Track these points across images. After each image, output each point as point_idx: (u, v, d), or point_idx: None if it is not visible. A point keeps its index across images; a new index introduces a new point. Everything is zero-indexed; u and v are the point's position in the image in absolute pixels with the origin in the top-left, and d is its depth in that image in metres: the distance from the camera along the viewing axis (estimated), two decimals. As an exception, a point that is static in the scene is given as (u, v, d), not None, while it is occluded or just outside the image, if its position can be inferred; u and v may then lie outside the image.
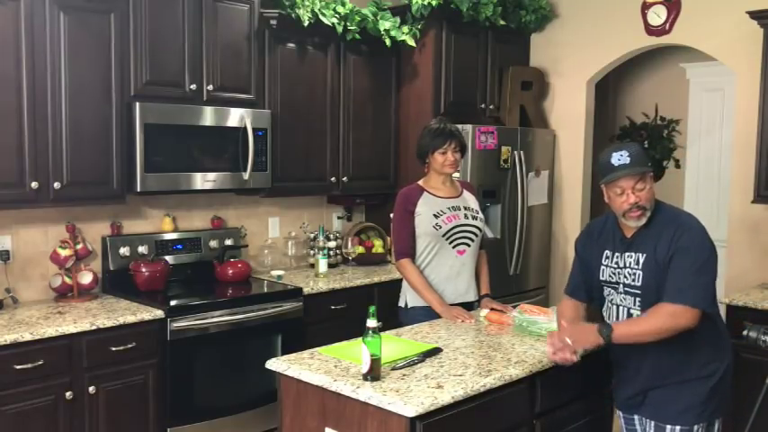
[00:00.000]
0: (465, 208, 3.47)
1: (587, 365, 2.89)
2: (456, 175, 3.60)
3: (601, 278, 2.74)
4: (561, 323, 2.80)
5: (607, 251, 2.71)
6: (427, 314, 3.35)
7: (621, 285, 2.67)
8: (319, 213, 4.96)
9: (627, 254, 2.64)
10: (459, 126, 3.67)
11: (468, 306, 3.44)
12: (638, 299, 2.62)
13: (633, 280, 2.62)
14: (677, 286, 2.48)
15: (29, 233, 3.68)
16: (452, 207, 3.44)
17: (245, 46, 4.09)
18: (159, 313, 3.50)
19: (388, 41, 4.61)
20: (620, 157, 2.54)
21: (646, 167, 2.57)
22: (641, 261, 2.59)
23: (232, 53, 4.03)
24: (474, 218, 3.48)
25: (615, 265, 2.68)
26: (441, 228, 3.38)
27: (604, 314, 2.79)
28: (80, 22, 3.45)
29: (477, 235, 3.48)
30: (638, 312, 2.62)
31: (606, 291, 2.75)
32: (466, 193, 3.55)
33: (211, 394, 3.72)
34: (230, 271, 4.16)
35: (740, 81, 4.49)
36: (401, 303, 3.52)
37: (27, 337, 3.08)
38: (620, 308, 2.69)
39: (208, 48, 3.92)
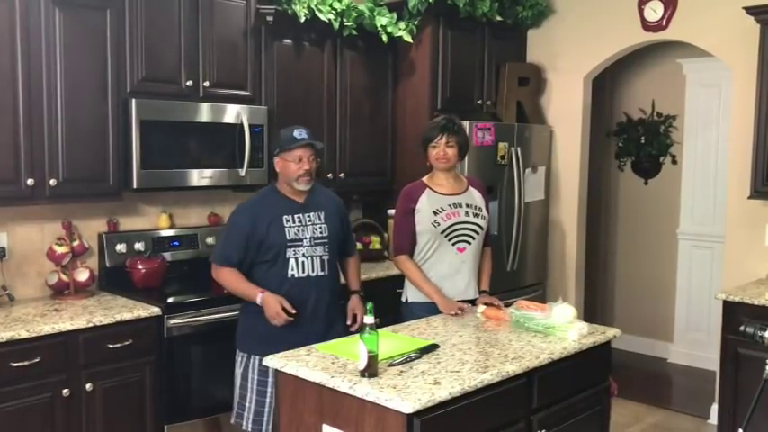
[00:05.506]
0: (467, 205, 3.44)
1: (584, 361, 2.90)
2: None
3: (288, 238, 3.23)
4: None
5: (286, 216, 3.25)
6: (425, 309, 3.35)
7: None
8: (316, 210, 4.94)
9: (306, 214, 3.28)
10: (456, 122, 3.66)
11: (470, 303, 3.42)
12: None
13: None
14: None
15: (25, 230, 3.67)
16: (454, 204, 3.42)
17: (242, 42, 4.08)
18: (156, 310, 3.50)
19: (384, 37, 4.60)
20: (299, 133, 3.22)
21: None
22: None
23: (228, 49, 4.02)
24: (476, 215, 3.45)
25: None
26: (439, 225, 3.37)
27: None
28: (76, 18, 3.44)
29: (478, 233, 3.45)
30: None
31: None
32: (472, 190, 3.52)
33: (208, 391, 3.71)
34: (227, 268, 4.15)
35: (737, 77, 4.50)
36: (403, 298, 3.53)
37: (23, 334, 3.07)
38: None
39: (204, 44, 3.91)
